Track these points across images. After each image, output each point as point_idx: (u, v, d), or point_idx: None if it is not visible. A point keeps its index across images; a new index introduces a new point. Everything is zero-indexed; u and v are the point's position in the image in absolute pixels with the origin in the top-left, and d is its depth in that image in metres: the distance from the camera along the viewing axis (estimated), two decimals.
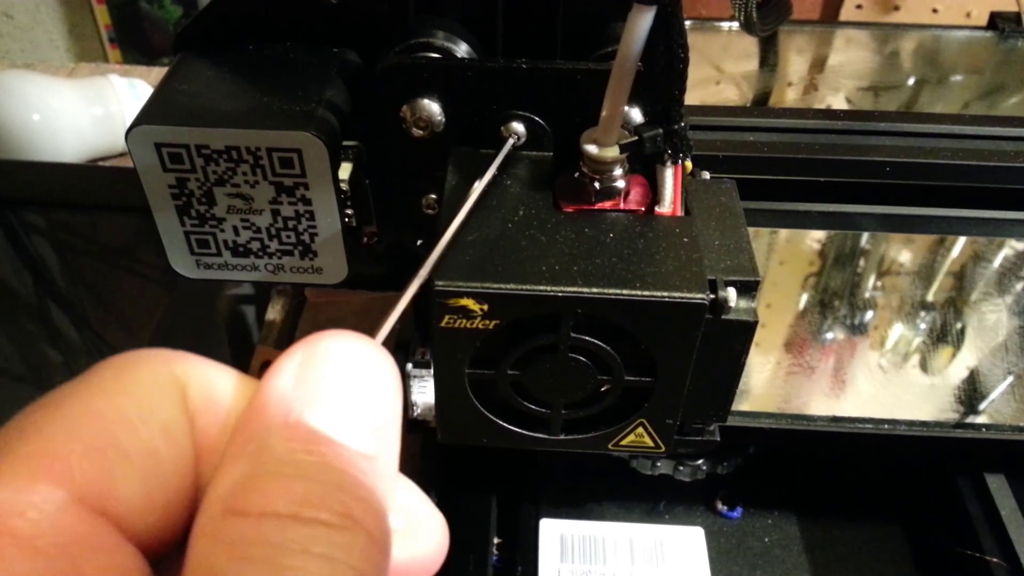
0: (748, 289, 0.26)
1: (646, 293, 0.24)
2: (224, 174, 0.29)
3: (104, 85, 0.77)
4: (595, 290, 0.24)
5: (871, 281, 0.46)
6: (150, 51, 1.21)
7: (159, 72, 0.88)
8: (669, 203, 0.27)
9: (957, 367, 0.41)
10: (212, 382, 0.16)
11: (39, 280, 0.70)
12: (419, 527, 0.19)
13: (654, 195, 0.28)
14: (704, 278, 0.25)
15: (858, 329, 0.45)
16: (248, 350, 0.56)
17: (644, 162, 0.28)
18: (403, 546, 0.17)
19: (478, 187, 0.27)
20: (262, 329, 0.59)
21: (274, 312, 0.61)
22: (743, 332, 0.26)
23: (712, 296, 0.25)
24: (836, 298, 0.46)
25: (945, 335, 0.42)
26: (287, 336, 0.61)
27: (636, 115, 0.28)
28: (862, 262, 0.47)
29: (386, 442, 0.16)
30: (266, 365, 0.56)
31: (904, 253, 0.47)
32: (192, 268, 0.32)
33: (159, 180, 0.30)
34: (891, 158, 0.34)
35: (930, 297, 0.45)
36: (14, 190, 0.70)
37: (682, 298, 0.24)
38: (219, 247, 0.32)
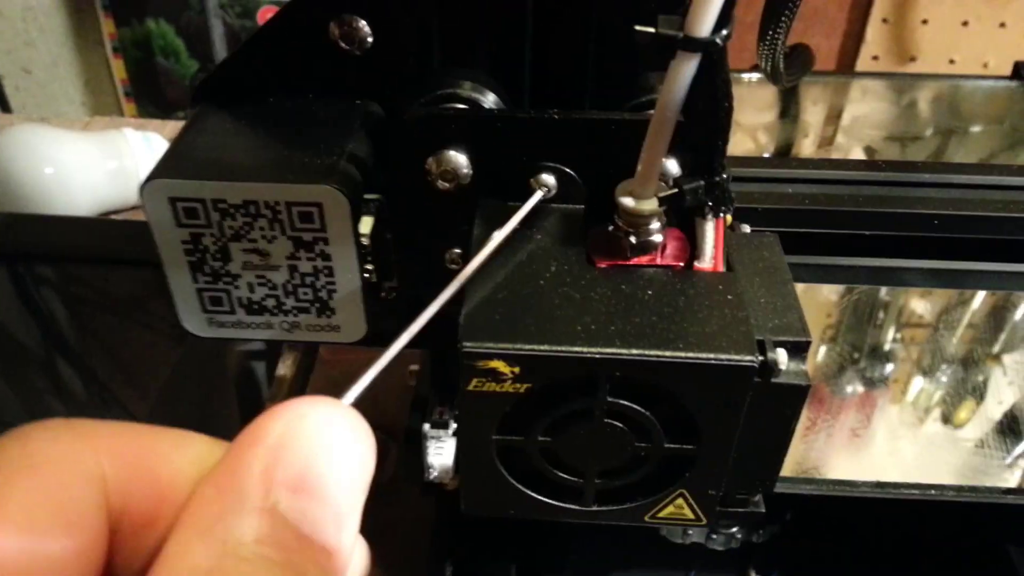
0: (798, 350, 0.24)
1: (691, 355, 0.23)
2: (241, 229, 0.28)
3: (118, 139, 0.77)
4: (635, 351, 0.23)
5: (899, 331, 0.44)
6: (166, 105, 1.22)
7: (174, 125, 0.88)
8: (710, 258, 0.26)
9: (1001, 423, 0.39)
10: (141, 456, 0.15)
11: (47, 334, 0.69)
12: None
13: (692, 249, 0.27)
14: (752, 339, 0.23)
15: (892, 381, 0.43)
16: (258, 407, 0.54)
17: (680, 215, 0.27)
18: None
19: (498, 236, 0.25)
20: (272, 385, 0.58)
21: (285, 367, 0.59)
22: (794, 396, 0.24)
23: (761, 358, 0.23)
24: (868, 352, 0.44)
25: (984, 386, 0.40)
26: (298, 392, 0.59)
27: (672, 166, 0.27)
28: (892, 312, 0.45)
29: (352, 532, 0.15)
30: None
31: (938, 302, 0.45)
32: (204, 327, 0.31)
33: (173, 236, 0.28)
34: (939, 211, 0.33)
35: (965, 347, 0.43)
36: (25, 244, 0.70)
37: (730, 360, 0.23)
38: (233, 305, 0.30)
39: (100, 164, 0.75)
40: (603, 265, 0.26)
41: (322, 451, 0.15)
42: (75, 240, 0.72)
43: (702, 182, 0.24)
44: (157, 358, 0.62)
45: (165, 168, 0.28)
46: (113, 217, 0.78)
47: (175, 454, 0.16)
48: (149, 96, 1.21)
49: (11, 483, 0.14)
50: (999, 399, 0.41)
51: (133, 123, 0.90)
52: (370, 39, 0.29)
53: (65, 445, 0.15)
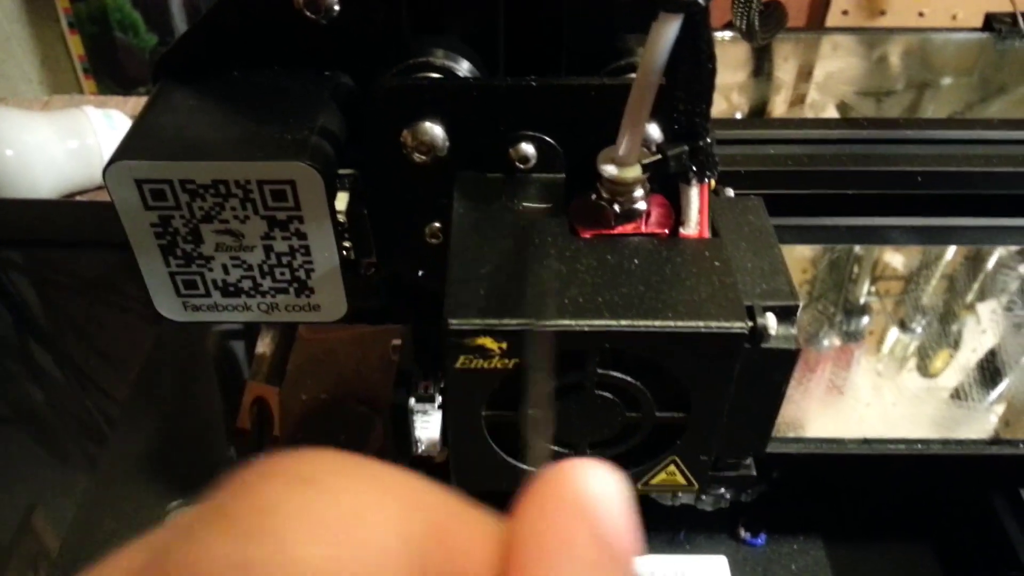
0: (787, 314, 0.24)
1: (680, 324, 0.22)
2: (212, 210, 0.27)
3: (79, 117, 0.75)
4: (624, 323, 0.22)
5: (874, 284, 0.45)
6: (126, 80, 1.19)
7: (136, 102, 0.86)
8: (695, 224, 0.25)
9: (976, 370, 0.40)
10: (446, 521, 0.13)
11: (19, 318, 0.68)
12: None
13: (677, 216, 0.26)
14: (741, 305, 0.23)
15: (868, 333, 0.43)
16: (238, 386, 0.54)
17: (663, 181, 0.26)
18: None
19: None
20: (252, 364, 0.57)
21: (263, 346, 0.58)
22: (784, 361, 0.24)
23: (751, 324, 0.23)
24: (844, 306, 0.44)
25: (958, 336, 0.41)
26: (278, 370, 0.59)
27: (654, 132, 0.26)
28: (867, 265, 0.45)
29: None
30: (258, 401, 0.53)
31: (911, 255, 0.45)
32: (179, 311, 0.30)
33: (141, 219, 0.27)
34: (923, 167, 0.32)
35: (939, 298, 0.43)
36: None
37: (719, 328, 0.22)
38: (208, 287, 0.29)
39: (61, 144, 0.73)
40: (587, 235, 0.25)
41: (621, 516, 0.13)
42: (42, 223, 0.70)
43: (686, 147, 0.24)
44: (133, 340, 0.61)
45: (129, 149, 0.27)
46: (79, 198, 0.76)
47: (476, 528, 0.13)
48: (108, 72, 1.17)
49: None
50: (973, 347, 0.42)
51: (94, 100, 0.87)
52: (336, 6, 0.28)
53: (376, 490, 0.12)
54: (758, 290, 0.24)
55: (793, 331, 0.24)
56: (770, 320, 0.23)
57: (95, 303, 0.68)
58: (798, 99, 0.57)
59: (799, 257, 0.46)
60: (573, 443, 0.26)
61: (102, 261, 0.66)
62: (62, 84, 1.19)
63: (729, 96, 0.56)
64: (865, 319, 0.44)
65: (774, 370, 0.24)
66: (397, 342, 0.48)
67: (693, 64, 0.22)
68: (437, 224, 0.30)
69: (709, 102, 0.23)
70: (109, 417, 0.56)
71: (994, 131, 0.34)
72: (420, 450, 0.40)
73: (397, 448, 0.40)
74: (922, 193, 0.33)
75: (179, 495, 0.44)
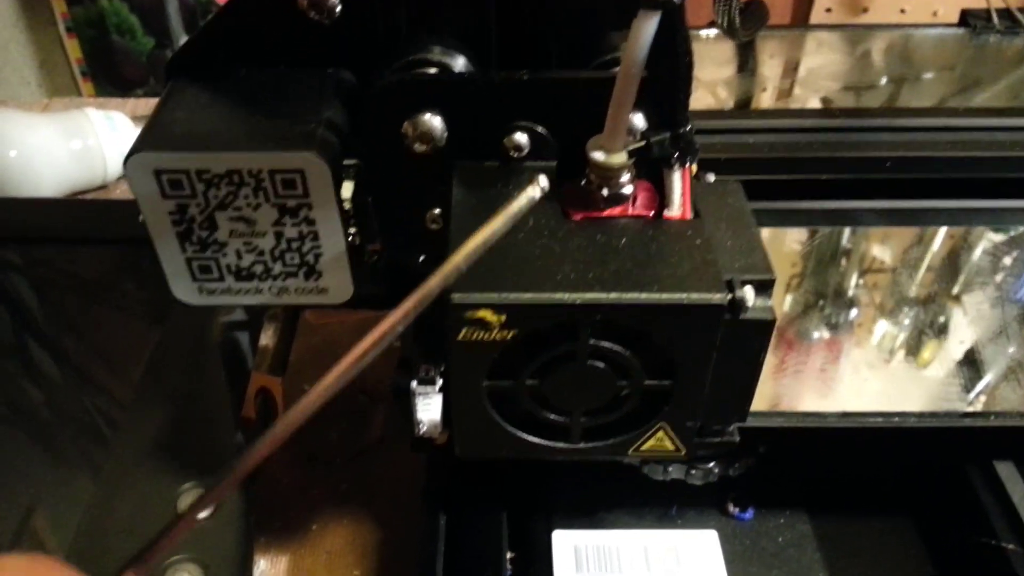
0: (764, 287, 0.26)
1: (664, 296, 0.24)
2: (226, 198, 0.29)
3: (81, 118, 0.76)
4: (613, 295, 0.24)
5: (862, 277, 0.46)
6: (123, 83, 1.20)
7: (134, 104, 0.87)
8: (678, 206, 0.27)
9: (960, 357, 0.42)
10: None
11: (17, 317, 0.68)
12: None
13: (661, 199, 0.28)
14: (721, 278, 0.25)
15: (857, 325, 0.45)
16: (244, 377, 0.55)
17: (649, 167, 0.28)
18: None
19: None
20: (256, 355, 0.58)
21: (266, 337, 0.60)
22: (762, 331, 0.26)
23: (730, 296, 0.25)
24: (832, 294, 0.46)
25: (945, 326, 0.43)
26: (281, 360, 0.60)
27: (639, 121, 0.28)
28: (855, 258, 0.47)
29: None
30: (262, 391, 0.54)
31: (898, 247, 0.47)
32: (195, 295, 0.32)
33: (159, 207, 0.29)
34: (891, 153, 0.34)
35: (926, 290, 0.45)
36: None
37: (700, 299, 0.24)
38: (222, 272, 0.31)
39: (64, 145, 0.75)
40: (578, 217, 0.27)
41: None
42: (39, 221, 0.71)
43: (667, 134, 0.26)
44: (129, 339, 0.62)
45: (147, 141, 0.28)
46: (80, 198, 0.78)
47: None
48: (106, 75, 1.19)
49: None
50: (960, 339, 0.44)
51: (93, 102, 0.89)
52: (338, 8, 0.30)
53: None
54: (737, 265, 0.26)
55: (769, 303, 0.26)
56: (748, 292, 0.25)
57: (93, 303, 0.69)
58: (783, 94, 0.59)
59: (789, 251, 0.48)
60: (567, 410, 0.28)
61: (99, 260, 0.67)
62: (61, 87, 1.21)
63: (716, 91, 0.58)
64: (854, 311, 0.46)
65: (752, 339, 0.26)
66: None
67: (671, 57, 0.24)
68: (437, 211, 0.32)
69: (688, 92, 0.25)
70: (108, 417, 0.57)
71: (957, 119, 0.36)
72: (422, 431, 0.41)
73: (400, 430, 0.42)
74: (890, 177, 0.35)
75: (191, 479, 0.45)
